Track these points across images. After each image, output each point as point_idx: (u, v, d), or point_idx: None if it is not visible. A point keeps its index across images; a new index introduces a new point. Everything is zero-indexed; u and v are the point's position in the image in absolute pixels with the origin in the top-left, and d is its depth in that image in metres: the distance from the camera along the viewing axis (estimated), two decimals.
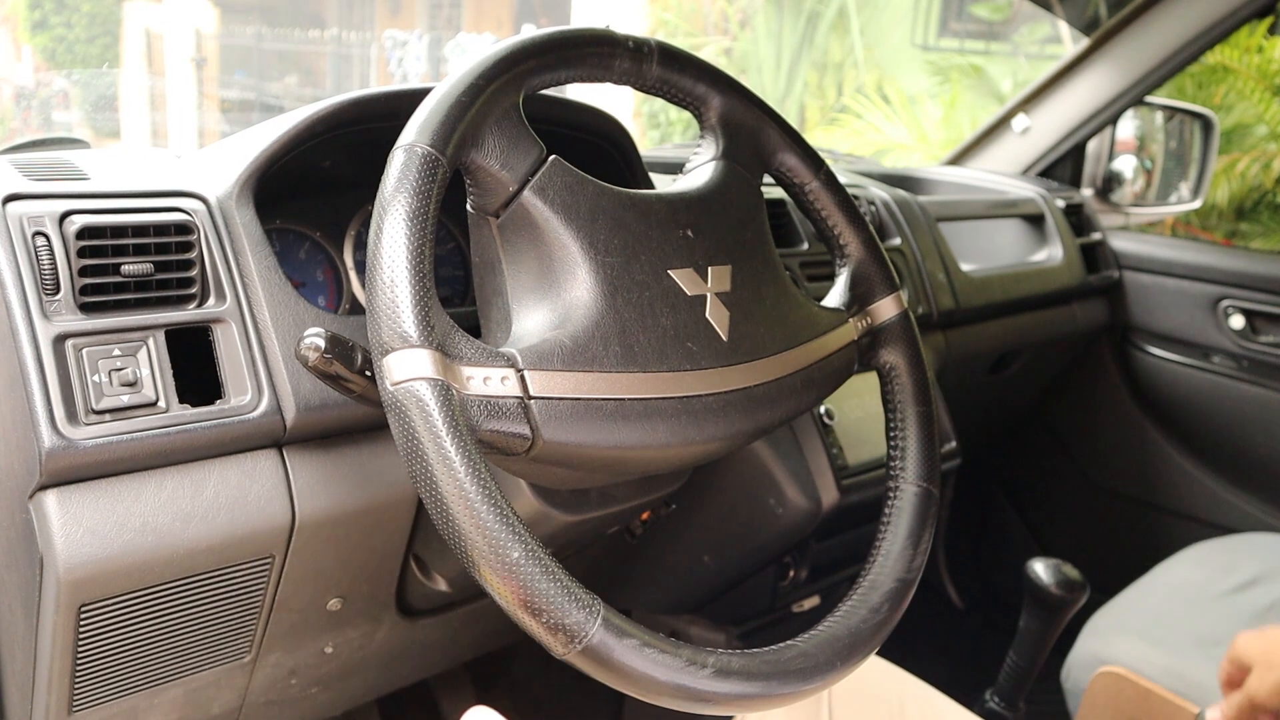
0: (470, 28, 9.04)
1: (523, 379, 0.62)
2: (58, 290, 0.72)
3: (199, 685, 0.90)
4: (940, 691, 1.04)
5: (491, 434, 0.60)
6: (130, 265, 0.74)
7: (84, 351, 0.71)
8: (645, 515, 1.10)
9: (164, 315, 0.75)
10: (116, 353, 0.72)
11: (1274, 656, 0.96)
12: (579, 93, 0.95)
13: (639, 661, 0.57)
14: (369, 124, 0.87)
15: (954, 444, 1.42)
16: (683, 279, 0.71)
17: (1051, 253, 1.82)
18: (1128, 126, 2.09)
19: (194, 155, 0.91)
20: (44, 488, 0.70)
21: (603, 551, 1.24)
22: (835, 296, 0.85)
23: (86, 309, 0.72)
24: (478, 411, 0.59)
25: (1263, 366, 1.79)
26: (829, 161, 0.85)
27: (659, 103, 5.73)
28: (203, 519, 0.75)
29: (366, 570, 0.93)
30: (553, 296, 0.68)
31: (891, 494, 0.81)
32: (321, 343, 0.64)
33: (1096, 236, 1.94)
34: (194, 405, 0.74)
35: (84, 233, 0.73)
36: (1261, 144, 4.10)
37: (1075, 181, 2.07)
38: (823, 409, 1.21)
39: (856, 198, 1.38)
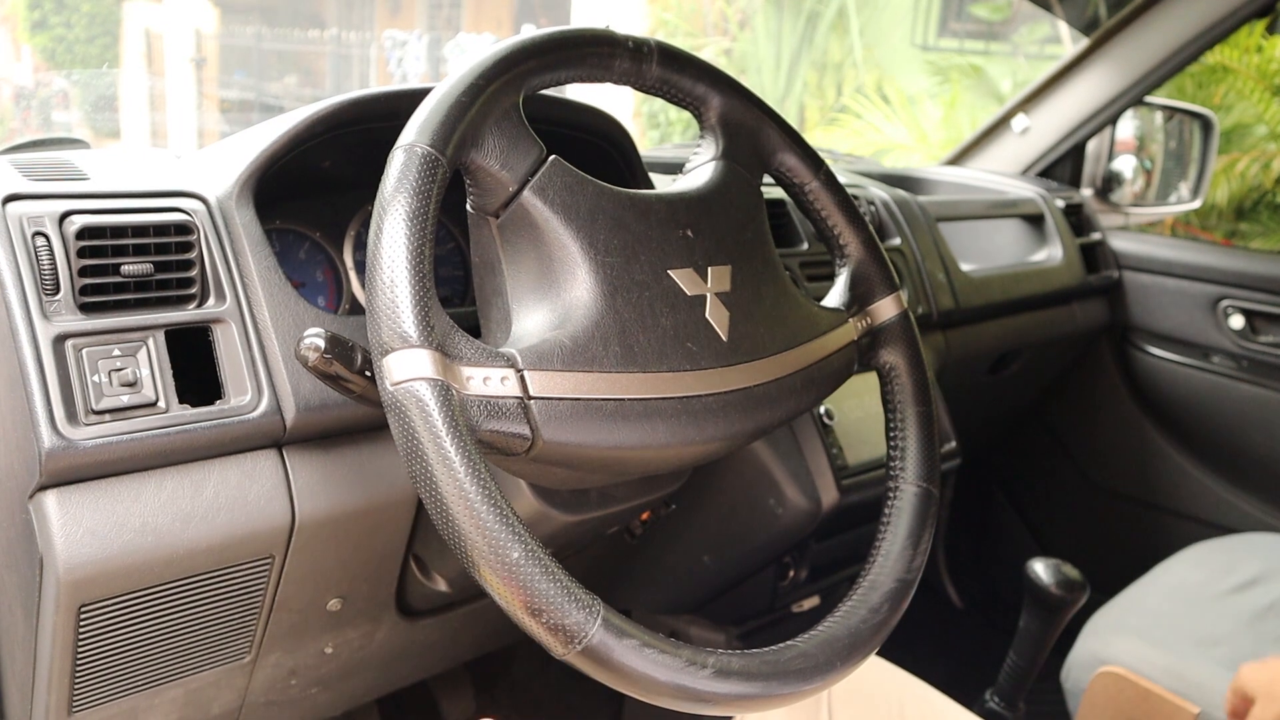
0: (470, 28, 9.04)
1: (522, 379, 0.62)
2: (58, 290, 0.72)
3: (199, 685, 0.90)
4: (940, 691, 1.04)
5: (491, 434, 0.60)
6: (130, 265, 0.74)
7: (84, 352, 0.71)
8: (645, 515, 1.10)
9: (164, 315, 0.75)
10: (116, 353, 0.72)
11: (1277, 688, 0.96)
12: (579, 93, 0.95)
13: (639, 662, 0.57)
14: (369, 124, 0.87)
15: (954, 444, 1.42)
16: (682, 279, 0.71)
17: (1051, 253, 1.82)
18: (1127, 126, 2.09)
19: (194, 155, 0.91)
20: (44, 488, 0.70)
21: (603, 551, 1.24)
22: (835, 296, 0.85)
23: (86, 309, 0.72)
24: (477, 412, 0.59)
25: (1262, 366, 1.79)
26: (829, 161, 0.85)
27: (659, 103, 5.73)
28: (203, 519, 0.75)
29: (366, 570, 0.93)
30: (552, 296, 0.68)
31: (891, 494, 0.81)
32: (321, 343, 0.64)
33: (1096, 236, 1.94)
34: (194, 405, 0.74)
35: (84, 233, 0.73)
36: (1261, 144, 4.10)
37: (1075, 181, 2.07)
38: (823, 409, 1.21)
39: (856, 198, 1.38)
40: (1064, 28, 4.40)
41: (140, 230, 0.75)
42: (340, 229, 0.99)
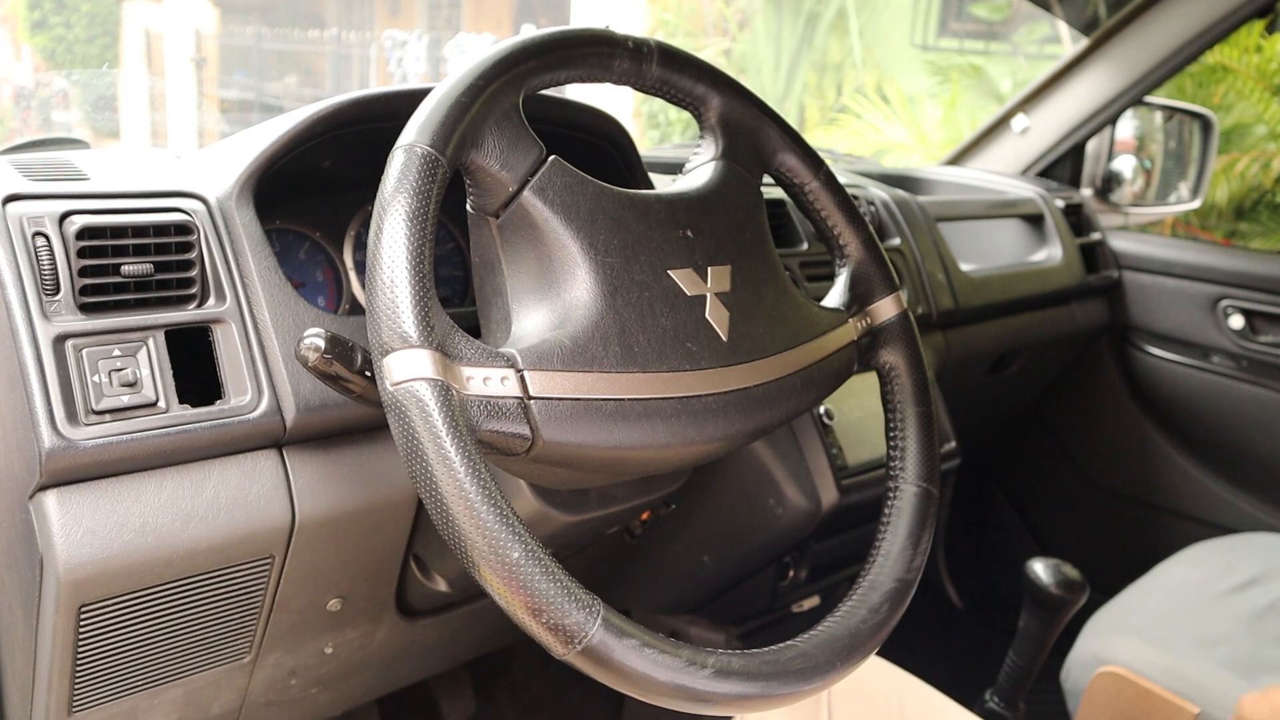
0: (470, 28, 9.04)
1: (522, 379, 0.62)
2: (58, 290, 0.72)
3: (199, 685, 0.90)
4: (940, 691, 1.04)
5: (491, 434, 0.60)
6: (130, 265, 0.74)
7: (84, 352, 0.71)
8: (645, 515, 1.10)
9: (164, 315, 0.75)
10: (116, 353, 0.72)
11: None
12: (579, 93, 0.95)
13: (639, 662, 0.57)
14: (369, 124, 0.87)
15: (953, 444, 1.42)
16: (682, 279, 0.71)
17: (1051, 253, 1.82)
18: (1127, 126, 2.09)
19: (194, 155, 0.91)
20: (44, 488, 0.70)
21: (603, 551, 1.24)
22: (835, 297, 0.85)
23: (86, 309, 0.72)
24: (477, 412, 0.59)
25: (1262, 366, 1.79)
26: (828, 162, 0.85)
27: (658, 103, 5.73)
28: (203, 519, 0.75)
29: (366, 570, 0.93)
30: (552, 297, 0.68)
31: (891, 494, 0.81)
32: (321, 343, 0.64)
33: (1096, 236, 1.94)
34: (194, 405, 0.74)
35: (84, 233, 0.73)
36: (1261, 144, 4.10)
37: (1075, 181, 2.07)
38: (822, 409, 1.21)
39: (856, 198, 1.38)
40: (1064, 27, 4.40)
41: (140, 230, 0.75)
42: (340, 229, 0.99)
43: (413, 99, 0.66)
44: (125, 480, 0.72)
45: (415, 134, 0.62)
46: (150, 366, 0.73)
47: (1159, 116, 2.15)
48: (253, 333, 0.78)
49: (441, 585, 0.99)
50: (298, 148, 0.84)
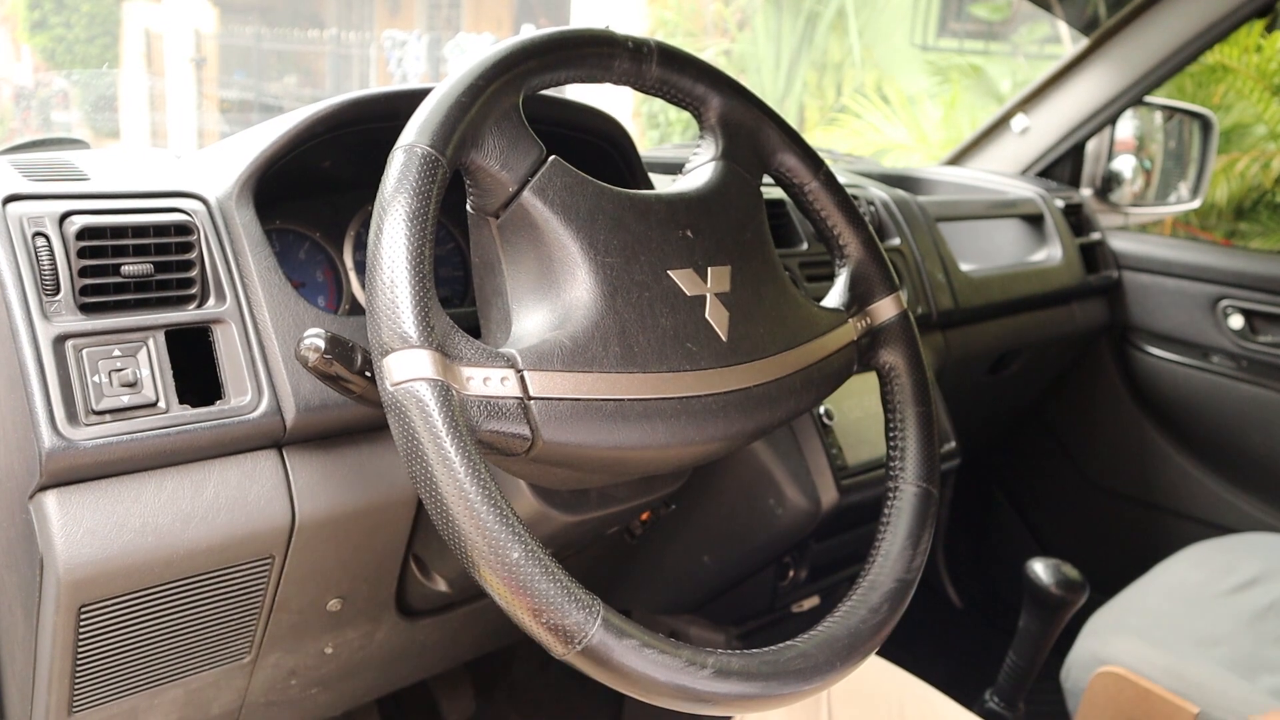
0: (469, 28, 9.04)
1: (522, 379, 0.62)
2: (58, 291, 0.72)
3: (199, 686, 0.90)
4: (940, 691, 1.04)
5: (491, 434, 0.60)
6: (130, 266, 0.74)
7: (84, 352, 0.71)
8: (645, 515, 1.10)
9: (164, 316, 0.75)
10: (116, 353, 0.72)
11: None
12: (579, 93, 0.95)
13: (638, 662, 0.57)
14: (369, 124, 0.87)
15: (953, 444, 1.42)
16: (682, 279, 0.71)
17: (1051, 253, 1.82)
18: (1127, 126, 2.09)
19: (194, 156, 0.91)
20: (44, 488, 0.70)
21: (602, 551, 1.24)
22: (835, 297, 0.85)
23: (86, 309, 0.72)
24: (477, 412, 0.59)
25: (1262, 366, 1.79)
26: (828, 162, 0.85)
27: (658, 103, 5.73)
28: (203, 519, 0.75)
29: (366, 571, 0.93)
30: (552, 297, 0.68)
31: (891, 494, 0.81)
32: (321, 343, 0.64)
33: (1096, 236, 1.94)
34: (194, 406, 0.74)
35: (84, 233, 0.73)
36: (1260, 143, 4.10)
37: (1074, 181, 2.07)
38: (822, 409, 1.21)
39: (856, 198, 1.38)
40: (1064, 27, 4.40)
41: (140, 230, 0.75)
42: (340, 229, 0.99)
43: (413, 99, 0.66)
44: (125, 480, 0.72)
45: (415, 134, 0.62)
46: (150, 367, 0.73)
47: (1159, 116, 2.15)
48: (253, 333, 0.78)
49: (441, 585, 0.99)
50: (298, 148, 0.84)
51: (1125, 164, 2.10)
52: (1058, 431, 2.11)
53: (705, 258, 0.73)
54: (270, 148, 0.83)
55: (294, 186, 0.93)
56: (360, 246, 0.99)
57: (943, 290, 1.53)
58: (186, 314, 0.76)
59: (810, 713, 0.98)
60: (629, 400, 0.66)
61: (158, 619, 0.79)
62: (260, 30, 7.49)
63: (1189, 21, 1.80)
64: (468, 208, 0.69)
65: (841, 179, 0.86)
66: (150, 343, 0.74)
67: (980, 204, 1.81)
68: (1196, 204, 2.21)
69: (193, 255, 0.77)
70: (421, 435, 0.55)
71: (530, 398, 0.61)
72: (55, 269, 0.72)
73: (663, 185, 0.95)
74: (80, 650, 0.77)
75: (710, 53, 6.94)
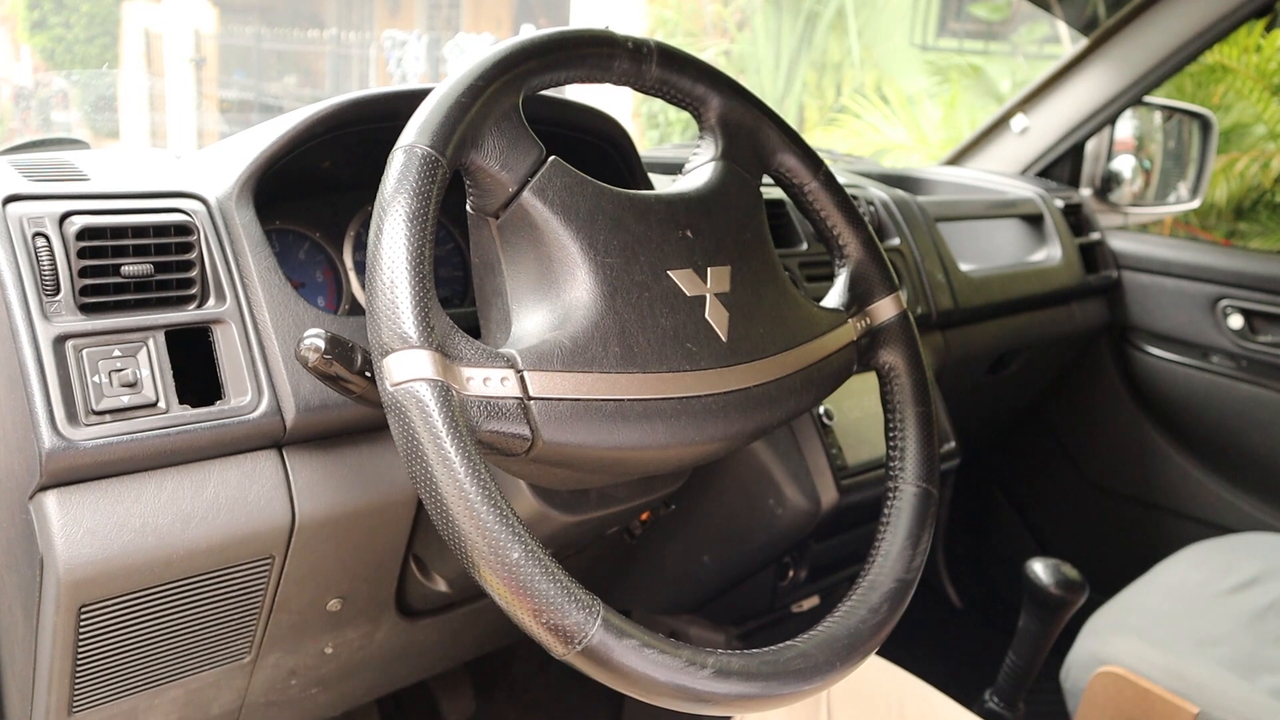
0: (469, 28, 9.04)
1: (522, 380, 0.62)
2: (58, 291, 0.72)
3: (199, 686, 0.91)
4: (939, 691, 1.04)
5: (491, 435, 0.60)
6: (130, 266, 0.74)
7: (84, 352, 0.71)
8: (645, 516, 1.10)
9: (164, 316, 0.75)
10: (116, 353, 0.72)
11: None
12: (579, 93, 0.95)
13: (638, 662, 0.57)
14: (369, 124, 0.87)
15: (953, 444, 1.42)
16: (682, 280, 0.71)
17: (1050, 253, 1.83)
18: (1126, 126, 2.09)
19: (193, 156, 0.91)
20: (44, 488, 0.70)
21: (603, 551, 1.24)
22: (834, 297, 0.85)
23: (86, 310, 0.72)
24: (477, 412, 0.59)
25: (1261, 366, 1.79)
26: (828, 162, 0.85)
27: (658, 103, 5.73)
28: (203, 520, 0.75)
29: (366, 571, 0.93)
30: (552, 297, 0.68)
31: (891, 494, 0.81)
32: (321, 343, 0.64)
33: (1095, 236, 1.94)
34: (194, 406, 0.74)
35: (84, 233, 0.73)
36: (1260, 143, 4.10)
37: (1074, 181, 2.07)
38: (822, 409, 1.21)
39: (855, 198, 1.38)
40: (1063, 27, 4.40)
41: (140, 231, 0.75)
42: (340, 229, 0.99)
43: (413, 99, 0.66)
44: (125, 480, 0.72)
45: (415, 134, 0.62)
46: (150, 367, 0.73)
47: (1158, 116, 2.15)
48: (253, 333, 0.78)
49: (441, 585, 0.99)
50: (298, 148, 0.84)
51: (1125, 164, 2.10)
52: (1057, 431, 2.11)
53: (705, 258, 0.73)
54: (270, 148, 0.83)
55: (294, 187, 0.93)
56: (360, 247, 0.99)
57: (942, 290, 1.53)
58: (186, 314, 0.76)
59: (810, 713, 0.98)
60: (629, 400, 0.66)
61: (158, 619, 0.79)
62: (260, 30, 7.49)
63: (1188, 21, 1.80)
64: (468, 208, 0.69)
65: (841, 179, 0.86)
66: (150, 343, 0.74)
67: (980, 204, 1.81)
68: (1196, 204, 2.21)
69: (193, 255, 0.77)
70: (421, 435, 0.55)
71: (530, 398, 0.62)
72: (55, 269, 0.72)
73: (662, 185, 0.95)
74: (80, 650, 0.77)
75: (710, 53, 6.94)
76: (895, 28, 7.12)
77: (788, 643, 0.67)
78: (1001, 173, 2.07)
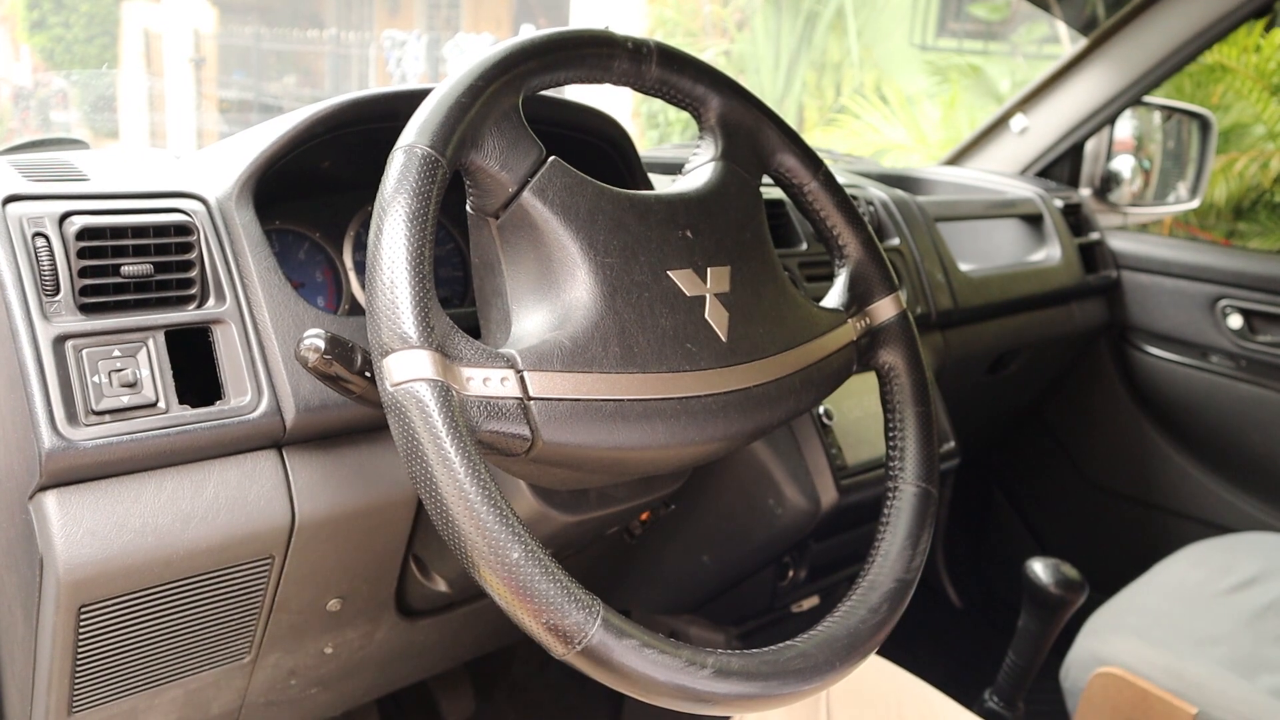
0: (469, 28, 9.04)
1: (522, 380, 0.62)
2: (57, 291, 0.72)
3: (199, 686, 0.91)
4: (939, 691, 1.04)
5: (491, 435, 0.60)
6: (130, 266, 0.74)
7: (84, 352, 0.71)
8: (644, 516, 1.10)
9: (164, 316, 0.75)
10: (116, 353, 0.72)
11: None
12: (578, 93, 0.95)
13: (638, 662, 0.57)
14: (368, 125, 0.87)
15: (952, 444, 1.42)
16: (682, 280, 0.71)
17: (1050, 253, 1.83)
18: (1126, 126, 2.09)
19: (193, 156, 0.91)
20: (44, 489, 0.70)
21: (603, 551, 1.24)
22: (834, 297, 0.85)
23: (86, 310, 0.72)
24: (477, 412, 0.59)
25: (1261, 366, 1.79)
26: (828, 162, 0.85)
27: (658, 103, 5.73)
28: (203, 520, 0.75)
29: (366, 571, 0.93)
30: (552, 297, 0.68)
31: (890, 494, 0.81)
32: (321, 344, 0.64)
33: (1095, 236, 1.94)
34: (194, 406, 0.74)
35: (84, 233, 0.73)
36: (1259, 143, 4.10)
37: (1073, 181, 2.07)
38: (822, 409, 1.21)
39: (855, 198, 1.38)
40: (1062, 27, 4.40)
41: (140, 231, 0.75)
42: (340, 229, 0.99)
43: (412, 99, 0.66)
44: (125, 481, 0.72)
45: (415, 135, 0.62)
46: (150, 367, 0.73)
47: (1157, 116, 2.15)
48: (253, 333, 0.78)
49: (441, 585, 0.99)
50: (297, 148, 0.84)
51: (1124, 164, 2.10)
52: (1057, 431, 2.11)
53: (705, 258, 0.73)
54: (270, 148, 0.83)
55: (294, 187, 0.93)
56: (360, 247, 0.99)
57: (942, 290, 1.53)
58: (186, 314, 0.76)
59: (810, 713, 0.98)
60: (629, 400, 0.66)
61: (157, 619, 0.79)
62: (260, 30, 7.49)
63: (1188, 21, 1.80)
64: (467, 208, 0.69)
65: (841, 179, 0.86)
66: (150, 343, 0.74)
67: (979, 204, 1.81)
68: (1195, 204, 2.21)
69: (192, 255, 0.77)
70: (421, 435, 0.55)
71: (530, 398, 0.62)
72: (55, 269, 0.72)
73: (662, 185, 0.95)
74: (80, 650, 0.77)
75: (709, 53, 6.94)
76: (895, 28, 7.12)
77: (787, 643, 0.67)
78: (1001, 173, 2.07)
